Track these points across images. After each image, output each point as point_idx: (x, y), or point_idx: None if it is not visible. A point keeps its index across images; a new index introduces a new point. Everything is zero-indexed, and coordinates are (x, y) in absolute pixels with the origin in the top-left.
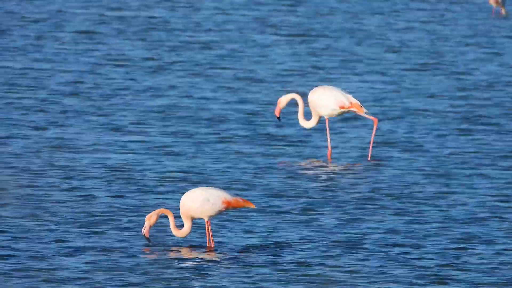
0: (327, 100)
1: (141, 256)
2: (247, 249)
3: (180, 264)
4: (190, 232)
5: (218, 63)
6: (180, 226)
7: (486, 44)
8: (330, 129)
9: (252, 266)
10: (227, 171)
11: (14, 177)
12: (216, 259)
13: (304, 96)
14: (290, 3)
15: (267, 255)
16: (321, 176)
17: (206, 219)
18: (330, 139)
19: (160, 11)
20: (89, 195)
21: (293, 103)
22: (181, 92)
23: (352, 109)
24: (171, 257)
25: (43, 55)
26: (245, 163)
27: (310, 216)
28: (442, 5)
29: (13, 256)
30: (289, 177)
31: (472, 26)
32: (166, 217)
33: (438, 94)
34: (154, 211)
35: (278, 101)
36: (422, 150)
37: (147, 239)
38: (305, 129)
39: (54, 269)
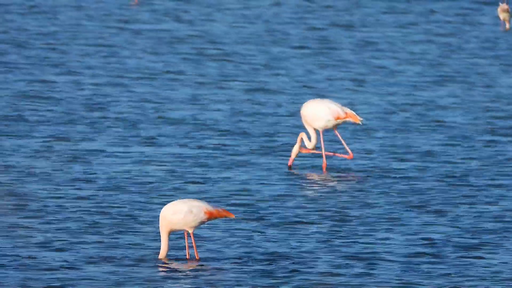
0: (322, 112)
1: (133, 268)
2: (235, 260)
3: (164, 276)
4: (168, 250)
5: (230, 75)
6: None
7: (497, 57)
8: (324, 141)
9: (237, 277)
10: (226, 182)
11: (31, 187)
12: (204, 271)
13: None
14: (303, 16)
15: (256, 265)
16: (314, 188)
17: (190, 231)
18: (325, 152)
19: (173, 23)
20: (102, 204)
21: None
22: (193, 104)
23: (347, 119)
24: (155, 270)
25: (63, 68)
26: (240, 175)
27: (303, 228)
28: (453, 18)
29: (27, 265)
30: (282, 189)
31: (482, 39)
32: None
33: (451, 106)
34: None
35: (292, 152)
36: (432, 161)
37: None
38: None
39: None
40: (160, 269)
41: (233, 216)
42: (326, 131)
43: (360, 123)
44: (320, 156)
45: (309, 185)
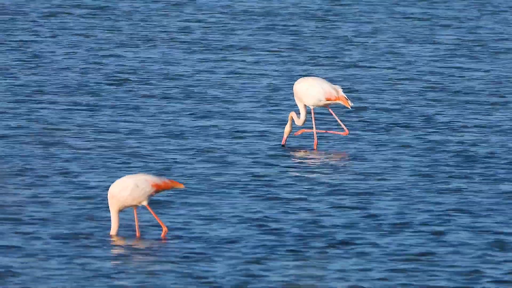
0: (314, 90)
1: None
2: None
3: (108, 255)
4: (118, 227)
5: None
6: None
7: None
8: (316, 119)
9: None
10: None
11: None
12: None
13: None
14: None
15: (215, 244)
16: (305, 166)
17: (145, 203)
18: (316, 129)
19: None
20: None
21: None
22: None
23: (338, 101)
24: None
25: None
26: (234, 152)
27: (284, 204)
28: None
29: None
30: (273, 166)
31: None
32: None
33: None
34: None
35: (284, 132)
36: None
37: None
38: (300, 127)
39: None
40: (112, 247)
41: (182, 186)
42: (318, 109)
43: (349, 107)
44: (318, 134)
45: (296, 163)
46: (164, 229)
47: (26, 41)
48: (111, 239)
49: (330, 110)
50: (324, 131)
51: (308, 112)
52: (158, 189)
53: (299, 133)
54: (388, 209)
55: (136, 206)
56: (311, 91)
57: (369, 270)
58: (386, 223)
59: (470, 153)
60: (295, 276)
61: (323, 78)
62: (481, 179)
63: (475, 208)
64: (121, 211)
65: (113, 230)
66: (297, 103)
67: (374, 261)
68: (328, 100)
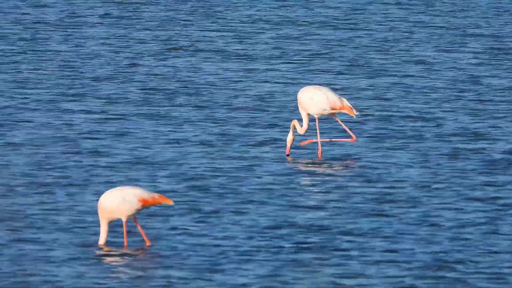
0: (318, 99)
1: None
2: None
3: (97, 265)
4: (107, 237)
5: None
6: None
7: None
8: (320, 128)
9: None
10: (219, 170)
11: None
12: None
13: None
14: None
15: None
16: (310, 175)
17: (124, 219)
18: (321, 138)
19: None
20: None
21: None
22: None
23: (343, 110)
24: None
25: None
26: (238, 162)
27: (287, 215)
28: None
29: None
30: (277, 175)
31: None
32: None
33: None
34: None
35: (287, 141)
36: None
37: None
38: (301, 135)
39: None
40: (94, 256)
41: (171, 203)
42: (322, 117)
43: (354, 117)
44: (324, 143)
45: (301, 172)
46: (125, 244)
47: (55, 50)
48: (120, 248)
49: (336, 118)
50: (328, 139)
51: (312, 120)
52: (145, 204)
53: (305, 143)
54: (410, 216)
55: (134, 217)
56: (315, 100)
57: (394, 277)
58: (408, 229)
59: (494, 160)
60: (314, 284)
61: (330, 86)
62: (505, 187)
63: (499, 214)
64: (110, 222)
65: (102, 240)
66: (300, 112)
67: (399, 268)
68: (332, 109)
